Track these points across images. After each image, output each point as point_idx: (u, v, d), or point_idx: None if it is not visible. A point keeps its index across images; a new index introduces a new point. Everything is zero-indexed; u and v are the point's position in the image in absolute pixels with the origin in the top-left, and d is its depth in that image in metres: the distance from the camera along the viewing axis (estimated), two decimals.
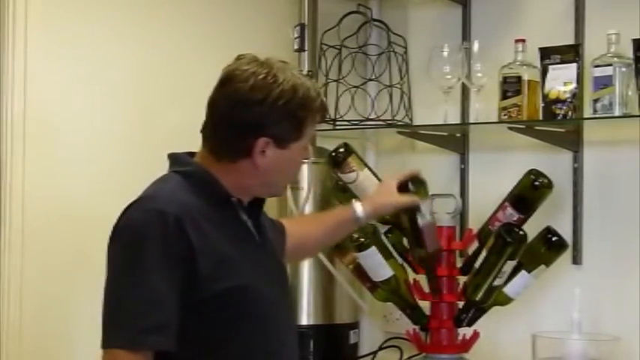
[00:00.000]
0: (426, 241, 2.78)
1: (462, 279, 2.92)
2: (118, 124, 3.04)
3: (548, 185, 2.85)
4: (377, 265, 2.85)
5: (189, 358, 2.08)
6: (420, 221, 2.74)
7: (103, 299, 2.04)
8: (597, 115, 2.81)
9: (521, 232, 2.75)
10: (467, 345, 2.92)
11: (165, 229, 2.03)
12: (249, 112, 2.14)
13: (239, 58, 2.21)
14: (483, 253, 2.82)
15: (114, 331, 2.01)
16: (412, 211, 2.71)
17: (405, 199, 2.68)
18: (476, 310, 2.89)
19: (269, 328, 2.18)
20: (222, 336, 2.09)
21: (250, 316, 2.12)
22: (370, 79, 3.47)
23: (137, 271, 2.02)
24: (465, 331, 2.93)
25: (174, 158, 2.25)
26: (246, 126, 2.15)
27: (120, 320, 2.02)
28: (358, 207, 2.61)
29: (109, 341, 2.01)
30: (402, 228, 2.96)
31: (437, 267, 2.88)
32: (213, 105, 2.20)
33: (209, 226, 2.11)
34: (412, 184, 2.68)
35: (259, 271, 2.19)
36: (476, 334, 2.92)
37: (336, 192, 3.06)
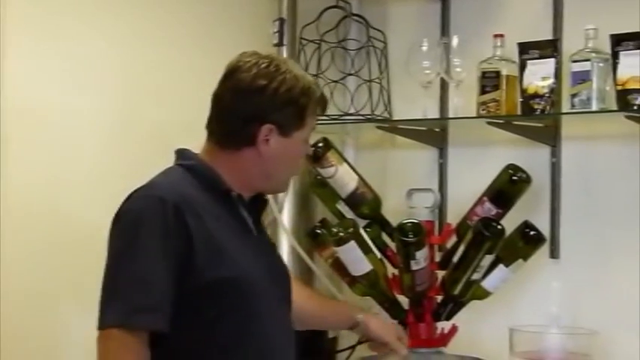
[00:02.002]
0: (417, 282, 2.83)
1: (441, 273, 2.93)
2: (102, 120, 3.04)
3: (526, 180, 2.87)
4: (356, 259, 2.85)
5: (182, 343, 2.12)
6: (414, 266, 2.78)
7: (102, 281, 2.09)
8: (575, 110, 2.82)
9: (499, 227, 2.76)
10: (445, 339, 2.93)
11: (164, 215, 2.09)
12: (252, 100, 2.21)
13: (242, 54, 2.27)
14: (462, 248, 2.83)
15: (108, 311, 2.06)
16: (408, 255, 2.77)
17: (397, 346, 2.65)
18: (454, 304, 2.90)
19: (262, 321, 2.20)
20: (213, 324, 2.13)
21: (242, 308, 2.16)
22: (349, 74, 3.46)
23: (134, 254, 2.08)
24: (443, 325, 2.94)
25: (179, 153, 2.30)
26: (250, 114, 2.21)
27: (114, 300, 2.07)
28: (363, 316, 2.63)
29: (103, 320, 2.06)
30: (382, 223, 2.98)
31: (422, 301, 2.91)
32: (218, 98, 2.26)
33: (208, 217, 2.16)
34: None
35: (257, 265, 2.22)
36: (454, 328, 2.93)
37: (315, 187, 3.07)
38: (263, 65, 2.21)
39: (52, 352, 2.90)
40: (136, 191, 2.16)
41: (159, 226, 2.08)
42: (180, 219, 2.09)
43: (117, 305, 2.06)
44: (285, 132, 2.22)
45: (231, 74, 2.23)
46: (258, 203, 2.33)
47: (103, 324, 2.06)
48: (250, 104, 2.21)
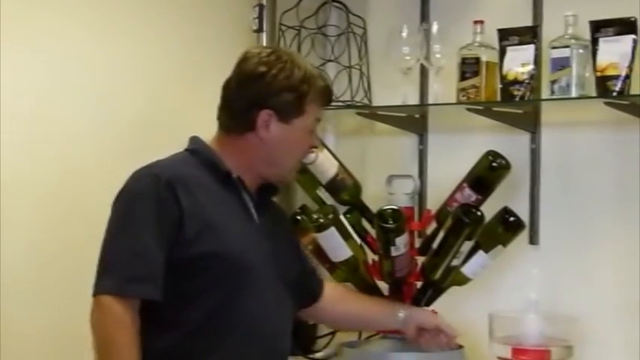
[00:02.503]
0: (396, 268, 2.83)
1: (421, 259, 2.93)
2: (87, 112, 3.02)
3: (506, 166, 2.87)
4: (336, 245, 2.85)
5: (169, 312, 2.23)
6: (394, 252, 2.79)
7: (99, 253, 2.23)
8: (554, 97, 2.83)
9: (478, 213, 2.76)
10: None
11: (156, 190, 2.23)
12: (253, 87, 2.35)
13: (250, 47, 2.46)
14: (441, 234, 2.83)
15: (102, 279, 2.20)
16: (387, 242, 2.77)
17: (450, 330, 2.71)
18: (434, 290, 2.91)
19: (249, 297, 2.28)
20: (197, 295, 2.24)
21: (227, 281, 2.26)
22: (329, 60, 3.46)
23: (128, 227, 2.23)
24: None
25: (190, 139, 2.43)
26: (251, 99, 2.35)
27: (109, 269, 2.21)
28: (401, 313, 2.71)
29: (97, 288, 2.20)
30: (362, 210, 2.98)
31: (402, 287, 2.91)
32: (225, 87, 2.41)
33: (203, 195, 2.28)
34: None
35: (248, 244, 2.32)
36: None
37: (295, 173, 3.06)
38: (264, 54, 2.36)
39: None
40: (136, 171, 2.30)
41: (153, 202, 2.22)
42: (172, 194, 2.23)
43: (112, 275, 2.19)
44: (284, 118, 2.34)
45: (238, 64, 2.38)
46: (268, 191, 2.45)
47: (98, 291, 2.19)
48: (251, 90, 2.35)
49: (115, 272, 2.20)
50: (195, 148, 2.39)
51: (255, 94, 2.34)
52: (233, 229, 2.31)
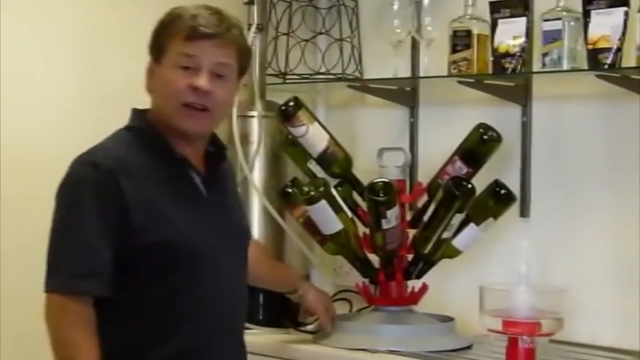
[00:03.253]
0: (387, 241, 2.83)
1: (412, 232, 2.94)
2: (66, 76, 3.02)
3: (497, 139, 2.87)
4: (327, 218, 2.85)
5: (123, 303, 2.18)
6: (385, 225, 2.78)
7: (47, 246, 2.18)
8: (546, 69, 2.82)
9: (469, 186, 2.77)
10: (415, 297, 2.94)
11: (97, 181, 2.16)
12: None
13: None
14: (432, 207, 2.84)
15: (50, 276, 2.16)
16: (378, 214, 2.77)
17: (323, 320, 2.88)
18: (425, 263, 2.91)
19: (201, 281, 2.24)
20: (150, 284, 2.20)
21: (179, 268, 2.21)
22: (320, 33, 3.45)
23: (73, 222, 2.16)
24: (413, 284, 2.95)
25: (131, 113, 2.33)
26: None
27: (55, 266, 2.16)
28: (302, 288, 2.87)
29: (46, 285, 2.16)
30: (352, 182, 2.98)
31: (393, 260, 2.91)
32: None
33: (147, 181, 2.21)
34: None
35: (199, 227, 2.25)
36: (424, 287, 2.94)
37: (285, 146, 3.06)
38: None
39: None
40: (77, 158, 2.22)
41: (94, 193, 2.16)
42: (114, 184, 2.16)
43: (57, 271, 2.15)
44: (156, 60, 2.28)
45: None
46: (214, 158, 2.36)
47: (47, 289, 2.15)
48: None
49: (62, 269, 2.15)
50: (137, 126, 2.30)
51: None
52: (180, 214, 2.23)
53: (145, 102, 2.32)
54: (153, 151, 2.26)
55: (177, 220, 2.22)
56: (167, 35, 2.25)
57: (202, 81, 2.23)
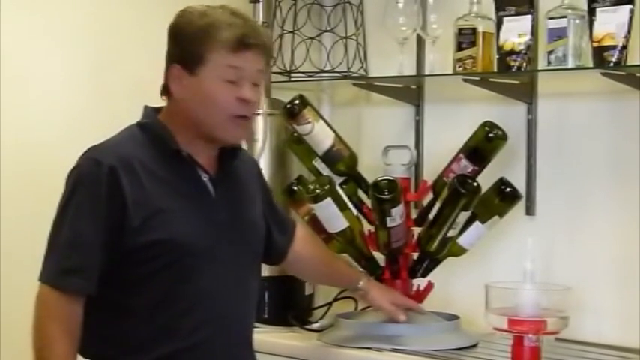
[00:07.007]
0: (392, 239, 2.83)
1: (417, 230, 2.94)
2: (75, 76, 3.03)
3: (502, 137, 2.87)
4: (332, 216, 2.86)
5: (117, 299, 2.21)
6: (390, 223, 2.78)
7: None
8: (551, 67, 2.82)
9: (475, 184, 2.77)
10: (421, 295, 2.94)
11: (97, 179, 2.16)
12: (168, 44, 2.27)
13: None
14: (438, 205, 2.84)
15: (43, 268, 2.19)
16: (383, 212, 2.77)
17: (394, 313, 2.78)
18: (430, 261, 2.91)
19: (199, 279, 2.24)
20: (145, 281, 2.21)
21: (174, 267, 2.21)
22: (325, 31, 3.45)
23: (70, 215, 2.18)
24: (419, 282, 2.95)
25: (143, 110, 2.33)
26: (166, 57, 2.27)
27: (50, 257, 2.19)
28: (365, 283, 2.77)
29: (40, 275, 2.19)
30: (358, 180, 2.98)
31: (398, 258, 2.91)
32: None
33: (150, 179, 2.20)
34: None
35: (201, 224, 2.25)
36: (430, 285, 2.94)
37: (291, 144, 3.06)
38: (179, 14, 2.27)
39: None
40: (86, 151, 2.24)
41: (93, 190, 2.17)
42: (114, 182, 2.16)
43: (49, 264, 2.19)
44: (190, 69, 2.22)
45: None
46: (228, 156, 2.34)
47: (40, 278, 2.18)
48: (167, 49, 2.27)
49: (53, 261, 2.18)
50: (147, 123, 2.29)
51: (167, 51, 2.27)
52: (182, 213, 2.22)
53: (152, 102, 2.31)
54: (160, 149, 2.25)
55: (176, 220, 2.21)
56: (207, 46, 2.20)
57: (249, 93, 2.24)
